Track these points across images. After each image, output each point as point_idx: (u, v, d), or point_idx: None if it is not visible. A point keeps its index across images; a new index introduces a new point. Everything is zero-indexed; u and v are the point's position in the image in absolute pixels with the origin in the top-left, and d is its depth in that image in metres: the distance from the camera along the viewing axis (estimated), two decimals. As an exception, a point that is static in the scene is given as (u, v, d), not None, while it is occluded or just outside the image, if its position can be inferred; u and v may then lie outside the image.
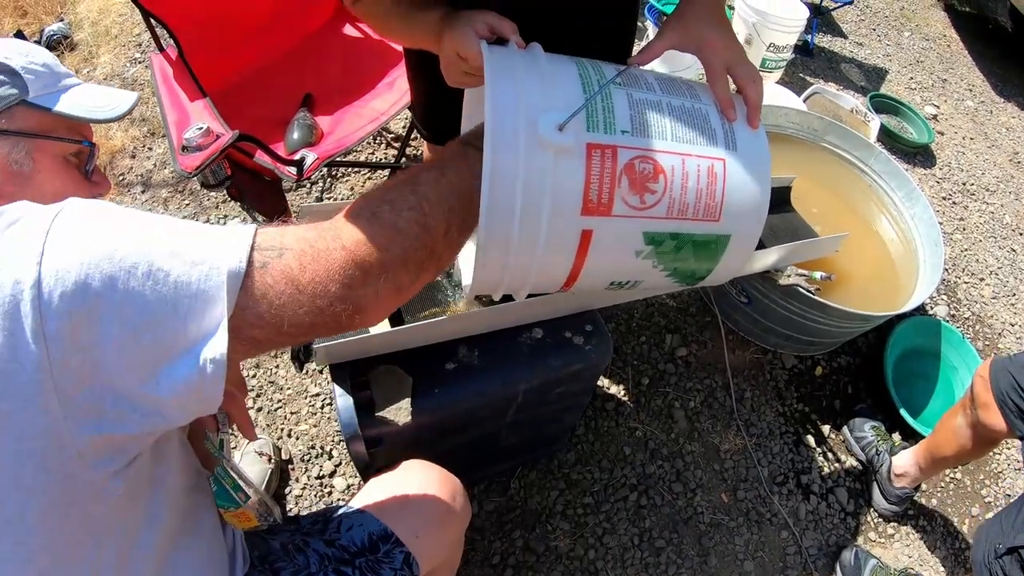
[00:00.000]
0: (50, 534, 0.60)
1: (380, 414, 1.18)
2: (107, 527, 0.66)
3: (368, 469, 1.25)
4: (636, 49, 1.02)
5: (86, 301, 0.54)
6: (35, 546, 0.59)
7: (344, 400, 1.17)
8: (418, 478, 1.15)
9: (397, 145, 2.60)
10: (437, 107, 1.46)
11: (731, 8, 3.27)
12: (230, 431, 1.02)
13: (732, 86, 0.89)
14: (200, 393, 0.59)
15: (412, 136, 2.45)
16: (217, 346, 0.58)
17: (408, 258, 0.70)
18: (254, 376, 2.01)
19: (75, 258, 0.54)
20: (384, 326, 1.26)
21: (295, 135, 1.99)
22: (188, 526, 0.82)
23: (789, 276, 1.81)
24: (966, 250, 2.79)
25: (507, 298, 1.00)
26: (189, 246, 0.60)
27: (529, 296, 0.92)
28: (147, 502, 0.71)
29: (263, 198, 2.03)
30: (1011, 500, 2.03)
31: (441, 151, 0.81)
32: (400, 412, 1.19)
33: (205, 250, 0.60)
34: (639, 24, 3.11)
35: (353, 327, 0.71)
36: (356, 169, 2.56)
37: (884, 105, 3.30)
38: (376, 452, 1.22)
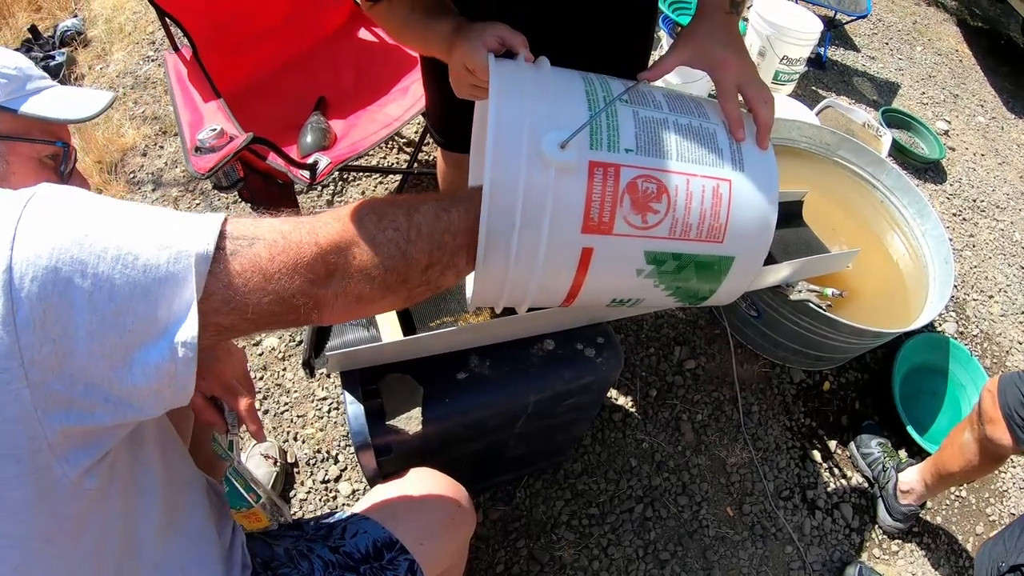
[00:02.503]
0: (23, 528, 0.59)
1: (390, 422, 1.18)
2: (81, 526, 0.65)
3: (376, 478, 1.25)
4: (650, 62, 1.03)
5: (56, 286, 0.54)
6: (6, 542, 0.58)
7: (355, 408, 1.17)
8: (424, 485, 1.15)
9: (409, 151, 2.60)
10: (452, 113, 1.46)
11: (745, 20, 3.27)
12: (239, 432, 1.02)
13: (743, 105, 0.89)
14: (173, 379, 0.59)
15: (425, 142, 2.45)
16: (189, 329, 0.59)
17: (375, 275, 0.71)
18: (261, 379, 2.01)
19: (46, 243, 0.54)
20: (396, 335, 1.26)
21: (308, 138, 2.00)
22: (173, 526, 0.81)
23: (800, 291, 1.81)
24: (975, 267, 2.78)
25: (510, 310, 1.00)
26: (158, 230, 0.60)
27: (533, 309, 0.92)
28: (124, 501, 0.70)
29: (275, 201, 2.03)
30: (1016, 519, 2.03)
31: (457, 187, 0.81)
32: (410, 421, 1.18)
33: (174, 234, 0.60)
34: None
35: (311, 322, 0.72)
36: (367, 173, 2.56)
37: (896, 120, 3.30)
38: (385, 460, 1.22)
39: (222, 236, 0.63)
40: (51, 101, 0.95)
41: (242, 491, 1.00)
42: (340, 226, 0.69)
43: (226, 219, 0.64)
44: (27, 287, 0.53)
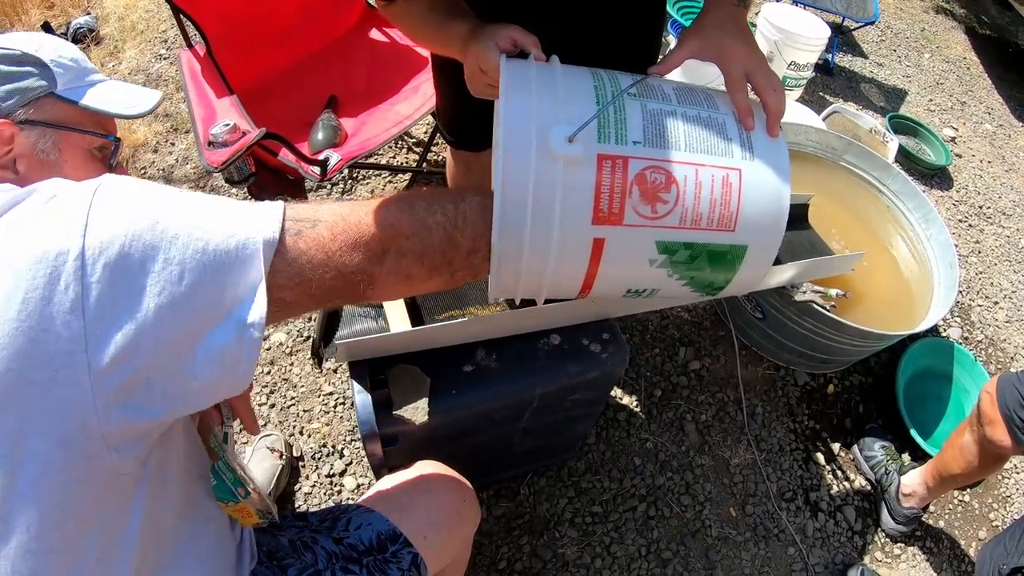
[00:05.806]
0: (61, 511, 0.59)
1: (397, 412, 1.19)
2: (117, 509, 0.65)
3: (382, 468, 1.26)
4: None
5: (127, 272, 0.55)
6: (48, 523, 0.58)
7: (362, 397, 1.18)
8: (428, 479, 1.16)
9: (419, 150, 2.62)
10: (462, 113, 1.47)
11: (753, 25, 3.28)
12: (232, 424, 1.02)
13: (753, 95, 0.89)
14: (236, 365, 0.62)
15: (435, 141, 2.47)
16: (258, 309, 0.61)
17: (424, 254, 0.75)
18: (268, 373, 2.02)
19: (119, 229, 0.56)
20: (404, 326, 1.28)
21: (320, 135, 2.01)
22: (194, 512, 0.82)
23: (804, 292, 1.82)
24: (981, 273, 2.78)
25: (522, 303, 1.01)
26: (225, 217, 0.63)
27: (549, 301, 0.93)
28: (152, 489, 0.70)
29: (284, 197, 2.05)
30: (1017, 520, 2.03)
31: (466, 186, 0.84)
32: (417, 411, 1.19)
33: (241, 220, 0.63)
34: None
35: (365, 298, 0.77)
36: (377, 172, 2.58)
37: (903, 126, 3.30)
38: (391, 451, 1.23)
39: (286, 218, 0.66)
40: (108, 95, 0.97)
41: (230, 485, 0.99)
42: (395, 208, 0.74)
43: (286, 205, 0.68)
44: (98, 273, 0.54)
